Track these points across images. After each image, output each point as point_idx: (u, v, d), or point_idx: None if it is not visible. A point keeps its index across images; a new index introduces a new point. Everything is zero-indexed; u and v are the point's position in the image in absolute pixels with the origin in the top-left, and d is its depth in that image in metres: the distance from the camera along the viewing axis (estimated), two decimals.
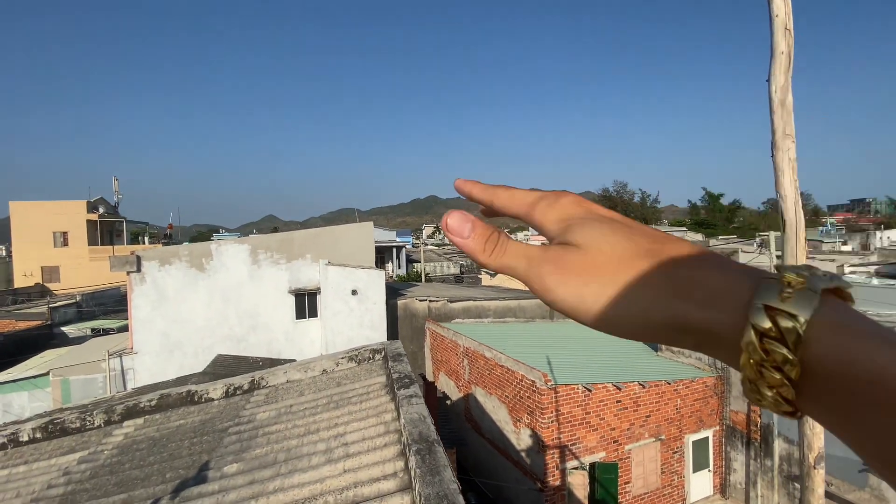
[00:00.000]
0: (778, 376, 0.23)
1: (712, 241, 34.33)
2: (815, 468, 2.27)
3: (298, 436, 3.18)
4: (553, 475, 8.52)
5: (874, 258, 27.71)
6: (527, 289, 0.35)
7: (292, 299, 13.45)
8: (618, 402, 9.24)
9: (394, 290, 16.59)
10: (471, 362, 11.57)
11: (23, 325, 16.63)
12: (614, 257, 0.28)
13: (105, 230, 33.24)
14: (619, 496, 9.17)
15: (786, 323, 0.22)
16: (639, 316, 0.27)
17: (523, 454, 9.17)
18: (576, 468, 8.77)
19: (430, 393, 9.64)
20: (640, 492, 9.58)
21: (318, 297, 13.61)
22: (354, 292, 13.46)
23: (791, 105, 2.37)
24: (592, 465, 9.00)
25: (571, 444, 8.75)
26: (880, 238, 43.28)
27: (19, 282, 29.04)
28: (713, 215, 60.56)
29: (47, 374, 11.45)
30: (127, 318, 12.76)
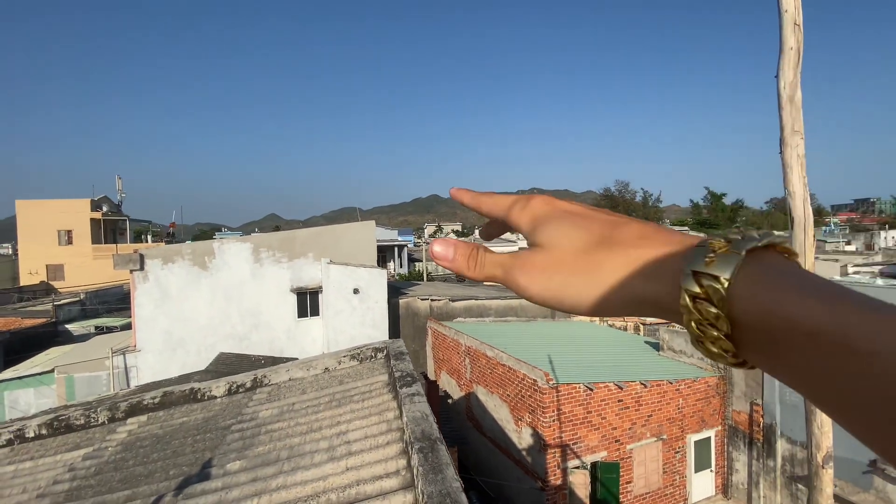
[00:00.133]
0: (714, 332, 0.26)
1: None
2: (823, 468, 2.26)
3: (301, 434, 3.19)
4: (554, 474, 8.52)
5: (878, 258, 27.56)
6: None
7: (294, 298, 13.49)
8: (619, 401, 9.23)
9: (395, 289, 16.61)
10: (472, 361, 11.58)
11: (28, 322, 16.74)
12: (571, 250, 0.33)
13: (109, 229, 33.40)
14: (621, 496, 9.17)
15: (710, 284, 0.26)
16: (598, 297, 0.31)
17: (525, 453, 9.17)
18: (577, 467, 8.77)
19: (432, 392, 9.67)
20: (642, 491, 9.57)
21: (319, 295, 13.65)
22: (356, 291, 13.48)
23: (800, 101, 2.36)
24: (594, 465, 9.00)
25: (573, 444, 8.75)
26: (884, 238, 43.04)
27: (25, 280, 29.22)
28: (716, 215, 60.34)
29: (52, 371, 11.53)
30: (130, 316, 12.83)
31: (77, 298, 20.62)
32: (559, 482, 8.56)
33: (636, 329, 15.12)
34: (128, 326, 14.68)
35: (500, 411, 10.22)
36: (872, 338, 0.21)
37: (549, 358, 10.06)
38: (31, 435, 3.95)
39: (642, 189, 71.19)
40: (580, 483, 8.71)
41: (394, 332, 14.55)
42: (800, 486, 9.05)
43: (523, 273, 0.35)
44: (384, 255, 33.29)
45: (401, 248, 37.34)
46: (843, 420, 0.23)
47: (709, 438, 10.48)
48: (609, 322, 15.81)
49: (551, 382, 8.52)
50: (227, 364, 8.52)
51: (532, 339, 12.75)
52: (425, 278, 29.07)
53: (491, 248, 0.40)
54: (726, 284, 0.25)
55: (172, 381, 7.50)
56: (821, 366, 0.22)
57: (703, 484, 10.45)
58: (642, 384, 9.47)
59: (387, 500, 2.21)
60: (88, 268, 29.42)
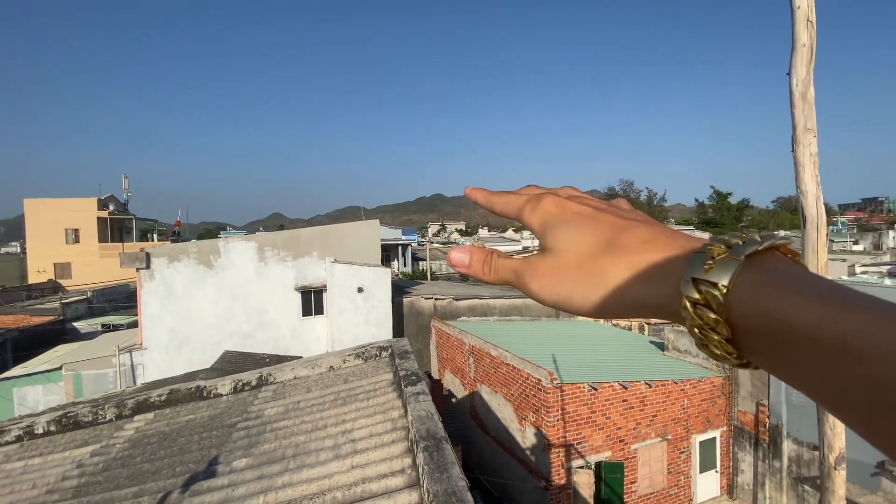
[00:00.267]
0: (716, 337, 0.27)
1: None
2: (835, 469, 2.24)
3: (306, 432, 3.21)
4: (558, 474, 8.51)
5: (887, 258, 27.27)
6: None
7: (299, 296, 13.54)
8: (624, 401, 9.20)
9: (399, 288, 16.64)
10: (476, 360, 11.58)
11: (36, 320, 16.91)
12: (578, 255, 0.35)
13: (115, 227, 33.66)
14: (625, 496, 9.14)
15: (709, 290, 0.26)
16: (604, 301, 0.33)
17: (528, 452, 9.17)
18: (581, 467, 8.75)
19: (436, 391, 9.68)
20: (646, 492, 9.54)
21: (324, 294, 13.69)
22: (360, 290, 13.51)
23: (813, 99, 2.34)
24: (598, 465, 8.98)
25: (577, 443, 8.73)
26: (893, 237, 42.55)
27: (33, 278, 29.52)
28: (721, 214, 59.88)
29: (60, 368, 11.65)
30: (136, 314, 12.93)
31: (84, 296, 20.82)
32: (563, 482, 8.55)
33: (641, 329, 15.06)
34: (134, 324, 14.81)
35: (504, 410, 10.22)
36: (870, 339, 0.21)
37: (554, 357, 10.04)
38: (41, 431, 3.99)
39: (647, 188, 70.92)
40: (584, 483, 8.70)
41: (398, 330, 14.57)
42: (806, 487, 8.99)
43: (534, 278, 0.37)
44: (388, 254, 33.34)
45: (405, 247, 37.39)
46: (847, 420, 0.23)
47: (714, 439, 10.43)
48: (613, 322, 15.77)
49: (555, 382, 8.50)
50: (232, 362, 8.57)
51: (536, 338, 12.73)
52: (429, 277, 29.09)
53: (504, 253, 0.42)
54: (724, 290, 0.26)
55: (178, 379, 7.56)
56: (821, 367, 0.23)
57: (707, 484, 10.40)
58: (647, 384, 9.43)
59: (392, 499, 2.21)
60: (95, 266, 29.67)
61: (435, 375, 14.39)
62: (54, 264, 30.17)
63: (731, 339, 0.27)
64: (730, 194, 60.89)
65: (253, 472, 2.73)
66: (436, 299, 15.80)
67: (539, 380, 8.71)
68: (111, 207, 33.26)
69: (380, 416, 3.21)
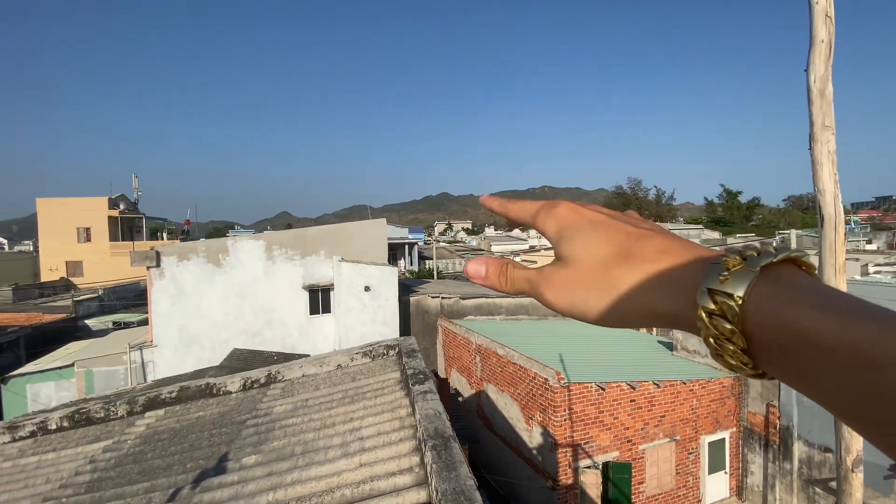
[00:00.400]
0: (731, 347, 0.27)
1: (730, 240, 33.56)
2: (853, 471, 2.21)
3: (315, 429, 3.22)
4: (565, 474, 8.48)
5: None
6: None
7: (306, 295, 13.62)
8: (632, 401, 9.14)
9: (406, 287, 16.66)
10: (483, 359, 11.57)
11: (49, 317, 17.18)
12: (592, 265, 0.35)
13: (125, 226, 34.09)
14: (633, 496, 9.09)
15: (725, 301, 0.27)
16: (619, 311, 0.33)
17: (536, 452, 9.14)
18: (588, 467, 8.71)
19: (443, 389, 9.67)
20: (654, 492, 9.48)
21: (331, 293, 13.76)
22: (367, 288, 13.56)
23: (831, 95, 2.30)
24: (605, 465, 8.93)
25: (584, 443, 8.69)
26: None
27: (45, 276, 29.99)
28: (731, 213, 59.13)
29: (72, 365, 11.83)
30: (147, 312, 13.09)
31: (95, 294, 21.12)
32: (570, 482, 8.51)
33: (649, 328, 14.95)
34: (144, 322, 14.99)
35: (510, 410, 10.20)
36: (886, 349, 0.21)
37: (561, 357, 10.00)
38: (54, 427, 4.06)
39: (655, 187, 70.10)
40: (592, 483, 8.66)
41: (404, 329, 14.60)
42: (817, 489, 8.87)
43: (549, 288, 0.37)
44: (395, 252, 33.42)
45: (411, 245, 37.45)
46: (861, 429, 0.24)
47: (723, 440, 10.33)
48: None
49: (563, 381, 8.46)
50: (240, 360, 8.64)
51: (543, 337, 12.69)
52: (435, 276, 29.10)
53: (519, 263, 0.43)
54: (740, 301, 0.27)
55: (188, 376, 7.64)
56: (837, 378, 0.23)
57: (716, 486, 10.30)
58: (655, 384, 9.36)
59: (400, 497, 2.22)
60: (106, 264, 30.07)
61: (441, 374, 14.41)
62: (66, 262, 30.62)
63: (747, 350, 0.27)
64: (740, 193, 60.10)
65: (262, 468, 2.75)
66: (442, 298, 15.81)
67: (546, 379, 8.68)
68: (122, 206, 33.68)
69: (387, 415, 3.21)
